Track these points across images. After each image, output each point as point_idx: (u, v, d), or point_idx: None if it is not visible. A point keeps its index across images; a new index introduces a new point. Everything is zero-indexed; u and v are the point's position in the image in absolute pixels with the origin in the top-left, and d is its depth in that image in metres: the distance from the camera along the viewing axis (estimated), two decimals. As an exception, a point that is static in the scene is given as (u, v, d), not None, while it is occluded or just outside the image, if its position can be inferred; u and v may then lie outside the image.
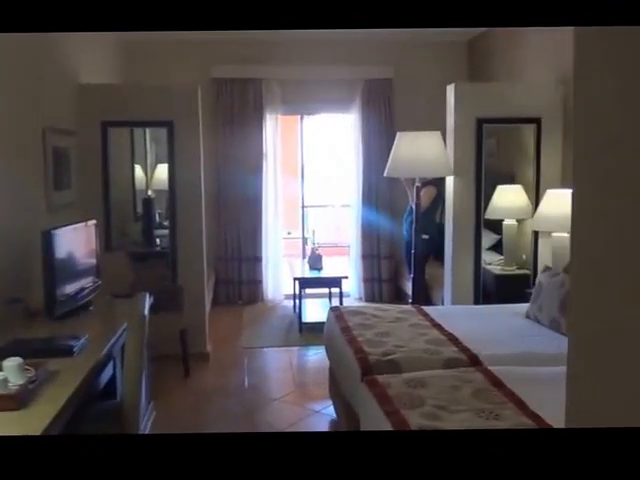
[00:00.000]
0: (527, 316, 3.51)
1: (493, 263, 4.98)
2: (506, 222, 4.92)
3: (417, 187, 4.63)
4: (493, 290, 4.77)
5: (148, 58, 6.00)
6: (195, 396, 3.97)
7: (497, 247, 5.18)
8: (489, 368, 2.67)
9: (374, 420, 2.33)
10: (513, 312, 3.63)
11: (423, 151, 4.42)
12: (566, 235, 4.22)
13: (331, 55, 6.18)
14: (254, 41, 6.07)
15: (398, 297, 6.34)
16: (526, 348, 2.98)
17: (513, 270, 4.89)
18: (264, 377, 4.47)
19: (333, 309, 3.79)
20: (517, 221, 4.92)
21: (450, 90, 4.62)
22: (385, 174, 4.64)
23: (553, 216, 4.21)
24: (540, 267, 4.65)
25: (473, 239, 4.66)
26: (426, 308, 3.74)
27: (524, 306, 3.73)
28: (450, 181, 4.71)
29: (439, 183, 5.25)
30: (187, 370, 4.31)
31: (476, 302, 4.63)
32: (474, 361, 2.82)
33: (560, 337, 3.12)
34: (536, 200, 4.65)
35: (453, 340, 3.06)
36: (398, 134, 4.59)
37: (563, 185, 4.54)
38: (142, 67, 5.96)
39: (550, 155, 4.67)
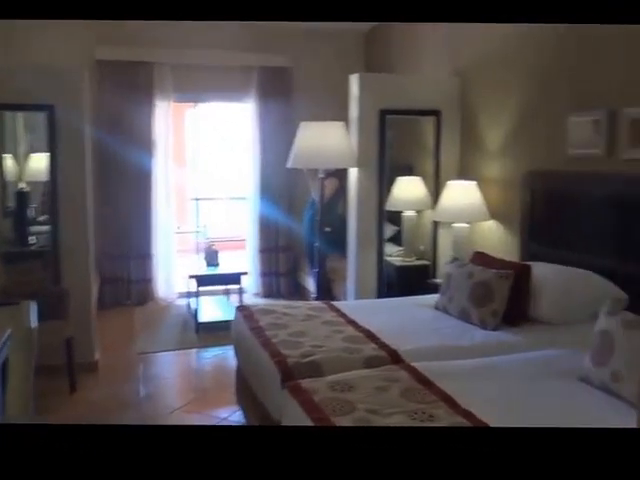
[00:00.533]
0: (436, 307, 3.48)
1: (393, 255, 4.97)
2: (405, 213, 4.93)
3: (321, 179, 4.50)
4: (394, 282, 4.75)
5: (28, 38, 5.37)
6: (84, 412, 3.56)
7: (395, 239, 5.17)
8: (412, 365, 2.58)
9: (301, 429, 2.16)
10: (421, 304, 3.60)
11: (327, 142, 4.29)
12: (466, 226, 4.27)
13: (227, 40, 5.88)
14: (144, 22, 5.64)
15: (297, 292, 6.21)
16: (442, 341, 2.93)
17: (413, 261, 4.91)
18: (161, 385, 4.14)
19: (240, 308, 3.56)
20: (416, 212, 4.94)
21: (354, 80, 4.52)
22: (289, 165, 4.47)
23: (454, 207, 4.24)
24: (440, 258, 4.70)
25: (376, 231, 4.61)
26: (337, 304, 3.62)
27: (431, 297, 3.71)
28: (354, 173, 4.62)
29: (341, 175, 5.15)
30: (73, 384, 3.86)
31: (379, 295, 4.59)
32: (395, 358, 2.72)
33: (472, 327, 3.11)
34: (436, 191, 4.67)
35: (370, 336, 2.95)
36: (301, 124, 4.43)
37: (461, 176, 4.59)
38: (21, 48, 5.34)
39: (449, 147, 4.71)
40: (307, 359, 2.65)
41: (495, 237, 4.29)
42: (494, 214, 4.25)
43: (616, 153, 3.28)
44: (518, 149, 4.05)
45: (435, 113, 4.67)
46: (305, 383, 2.40)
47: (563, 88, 3.64)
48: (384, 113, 4.54)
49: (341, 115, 4.68)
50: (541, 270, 3.24)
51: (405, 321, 3.23)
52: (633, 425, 2.09)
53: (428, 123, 4.76)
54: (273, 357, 2.69)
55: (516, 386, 2.41)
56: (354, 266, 4.61)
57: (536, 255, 3.73)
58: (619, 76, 3.24)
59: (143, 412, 3.60)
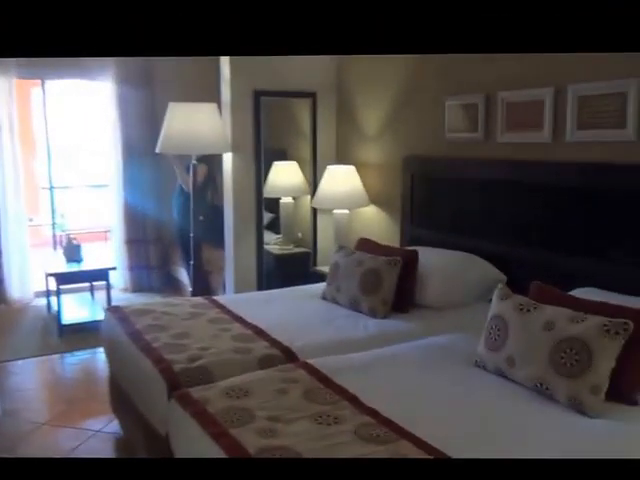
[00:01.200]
0: (323, 297, 3.37)
1: (271, 243, 4.81)
2: (283, 200, 4.78)
3: (194, 165, 4.21)
4: (274, 271, 4.60)
5: None
6: None
7: (272, 226, 5.01)
8: (309, 362, 2.43)
9: (196, 444, 1.94)
10: (308, 294, 3.47)
11: (199, 125, 4.02)
12: (346, 212, 4.20)
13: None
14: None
15: (171, 285, 5.86)
16: (335, 334, 2.82)
17: (292, 249, 4.79)
18: (23, 398, 3.66)
19: (111, 309, 3.22)
20: (293, 198, 4.80)
21: (224, 60, 4.27)
22: (158, 150, 4.13)
23: (333, 193, 4.15)
24: (320, 245, 4.61)
25: (255, 219, 4.42)
26: (220, 299, 3.39)
27: (317, 287, 3.60)
28: (228, 158, 4.38)
29: (209, 160, 4.87)
30: None
31: (260, 286, 4.41)
32: (289, 355, 2.57)
33: (362, 317, 3.03)
34: (314, 177, 4.56)
35: (260, 333, 2.77)
36: (170, 105, 4.10)
37: (338, 161, 4.52)
38: None
39: (325, 130, 4.61)
40: (195, 364, 2.42)
41: (376, 222, 4.27)
42: (374, 199, 4.22)
43: (493, 137, 3.34)
44: (397, 133, 4.03)
45: (311, 95, 4.54)
46: (196, 392, 2.17)
47: (441, 71, 3.65)
48: (258, 94, 4.34)
49: (213, 97, 4.41)
50: (425, 255, 3.22)
51: (294, 314, 3.09)
52: (526, 409, 2.11)
53: (303, 106, 4.63)
54: (156, 364, 2.42)
55: (415, 376, 2.34)
56: (232, 256, 4.40)
57: (418, 239, 3.74)
58: (496, 60, 3.28)
59: (3, 430, 3.16)
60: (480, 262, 3.27)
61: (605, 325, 2.08)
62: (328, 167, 4.23)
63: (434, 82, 3.70)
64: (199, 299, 3.39)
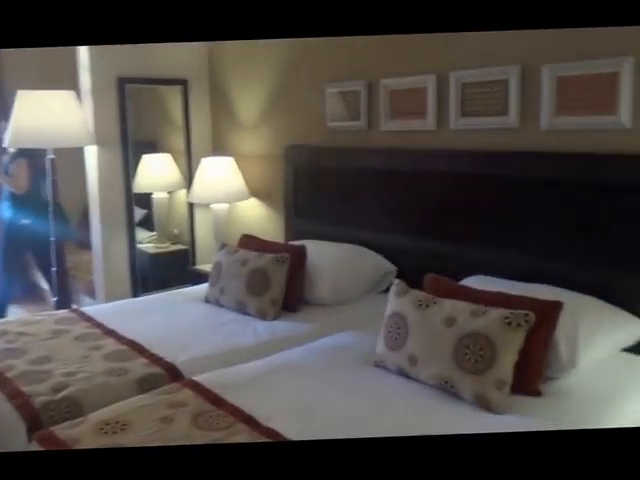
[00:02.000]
0: (207, 301, 3.07)
1: (144, 241, 4.41)
2: (155, 195, 4.39)
3: (51, 159, 3.70)
4: (150, 272, 4.22)
5: None
6: None
7: (145, 223, 4.60)
8: (196, 380, 2.14)
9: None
10: (189, 298, 3.15)
11: (54, 115, 3.53)
12: (226, 206, 3.92)
13: None
14: None
15: (30, 294, 5.22)
16: (223, 342, 2.54)
17: (168, 247, 4.42)
18: None
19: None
20: (168, 193, 4.43)
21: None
22: (5, 145, 3.60)
23: (210, 186, 3.85)
24: (199, 241, 4.29)
25: (125, 217, 4.01)
26: (89, 310, 2.98)
27: (199, 289, 3.29)
28: (91, 152, 3.92)
29: (33, 154, 4.18)
30: None
31: (135, 289, 4.02)
32: (173, 373, 2.25)
33: (251, 320, 2.78)
34: (189, 169, 4.22)
35: (138, 349, 2.43)
36: (19, 93, 3.57)
37: (215, 153, 4.21)
38: None
39: (199, 120, 4.27)
40: (60, 394, 2.04)
41: (258, 217, 4.01)
42: (255, 192, 3.96)
43: (376, 125, 3.19)
44: (276, 122, 3.78)
45: (181, 82, 4.18)
46: (62, 430, 1.81)
47: (320, 57, 3.44)
48: (123, 81, 3.91)
49: (72, 85, 3.93)
50: (313, 249, 3.02)
51: (175, 322, 2.76)
52: (430, 406, 1.98)
53: (174, 94, 4.25)
54: (11, 399, 2.01)
55: (312, 384, 2.13)
56: (100, 259, 3.95)
57: (303, 233, 3.53)
58: (377, 47, 3.12)
59: None
60: (369, 254, 3.12)
61: (506, 317, 1.98)
62: (203, 159, 3.90)
63: (313, 68, 3.49)
64: (63, 312, 2.96)
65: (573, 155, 2.44)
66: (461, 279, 2.54)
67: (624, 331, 2.24)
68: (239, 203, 3.98)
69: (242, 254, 2.99)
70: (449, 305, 2.13)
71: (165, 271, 4.23)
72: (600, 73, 2.32)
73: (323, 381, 2.15)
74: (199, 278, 3.83)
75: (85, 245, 4.60)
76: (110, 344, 2.48)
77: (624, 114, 2.29)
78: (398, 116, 3.08)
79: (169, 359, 2.33)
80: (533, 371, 2.02)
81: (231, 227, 3.99)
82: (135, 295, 3.95)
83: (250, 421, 1.86)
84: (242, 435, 1.78)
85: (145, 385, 2.16)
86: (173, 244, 4.43)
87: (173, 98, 4.26)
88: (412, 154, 3.02)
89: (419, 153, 2.98)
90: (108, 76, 3.84)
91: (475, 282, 2.48)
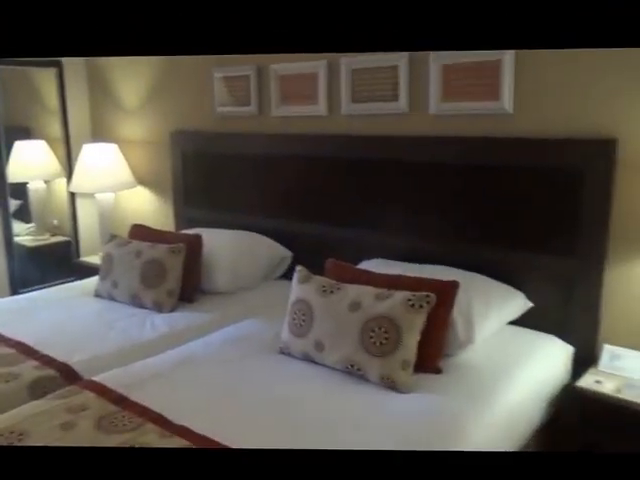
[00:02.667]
0: (98, 295, 2.89)
1: (22, 234, 4.06)
2: (31, 185, 4.06)
3: None
4: (30, 266, 3.90)
5: None
6: None
7: (20, 214, 4.24)
8: (95, 380, 2.00)
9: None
10: (78, 293, 2.95)
11: None
12: (111, 195, 3.70)
13: None
14: None
15: None
16: (120, 338, 2.39)
17: (47, 239, 4.11)
18: None
19: None
20: (44, 182, 4.11)
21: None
22: None
23: (93, 175, 3.62)
24: (82, 232, 4.03)
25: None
26: (-38, 311, 2.69)
27: (88, 283, 3.09)
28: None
29: None
30: None
31: (13, 286, 3.70)
32: (68, 374, 2.10)
33: (147, 313, 2.65)
34: (68, 156, 3.94)
35: (27, 351, 2.23)
36: None
37: (96, 139, 3.96)
38: None
39: (76, 104, 3.99)
40: (-58, 407, 1.83)
41: (145, 205, 3.82)
42: (142, 180, 3.77)
43: (267, 111, 3.13)
44: (161, 106, 3.61)
45: (55, 64, 3.87)
46: (-52, 447, 1.63)
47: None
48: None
49: None
50: (207, 237, 2.92)
51: (65, 320, 2.57)
52: (337, 388, 1.99)
53: (47, 76, 3.92)
54: None
55: (219, 375, 2.07)
56: (-28, 255, 3.60)
57: (193, 221, 3.42)
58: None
59: None
60: (264, 240, 3.08)
61: (409, 300, 2.03)
62: (84, 145, 3.65)
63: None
64: None
65: (462, 139, 2.53)
66: (357, 263, 2.57)
67: (510, 305, 2.37)
68: (125, 192, 3.77)
69: (135, 245, 2.84)
70: (353, 290, 2.14)
71: (46, 265, 3.94)
72: (484, 61, 2.41)
73: (229, 372, 2.09)
74: (85, 271, 3.60)
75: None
76: (-6, 348, 2.26)
77: (506, 100, 2.40)
78: (290, 101, 3.04)
79: (62, 359, 2.17)
80: (434, 350, 2.08)
81: (117, 217, 3.78)
82: (14, 292, 3.64)
83: (159, 420, 1.77)
84: (152, 435, 1.69)
85: (38, 390, 2.00)
86: (53, 236, 4.12)
87: (46, 80, 3.94)
88: (303, 139, 2.99)
89: (311, 138, 2.97)
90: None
91: (373, 265, 2.51)
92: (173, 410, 1.81)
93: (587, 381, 2.09)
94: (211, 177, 3.40)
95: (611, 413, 2.00)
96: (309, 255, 2.98)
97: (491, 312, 2.25)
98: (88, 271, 3.57)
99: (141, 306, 2.70)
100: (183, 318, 2.61)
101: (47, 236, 4.10)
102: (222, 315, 2.64)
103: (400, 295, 2.05)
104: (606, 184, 2.19)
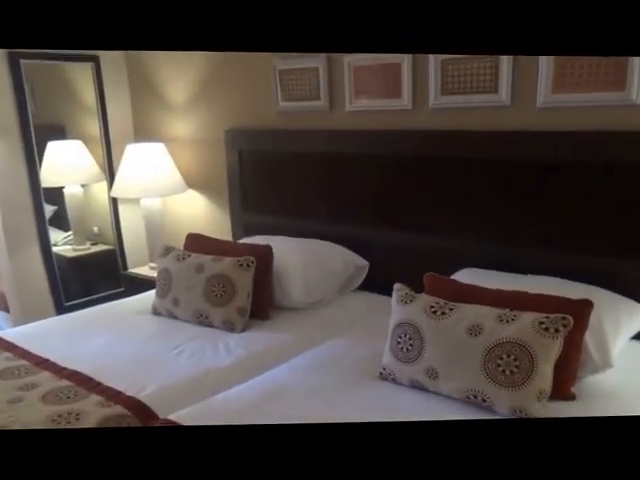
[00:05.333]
0: (156, 312, 2.61)
1: (59, 243, 3.81)
2: (68, 189, 3.80)
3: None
4: (70, 279, 3.65)
5: None
6: None
7: (55, 222, 3.99)
8: (173, 419, 1.72)
9: None
10: (133, 311, 2.67)
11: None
12: (158, 200, 3.44)
13: None
14: None
15: None
16: (193, 364, 2.11)
17: (88, 248, 3.85)
18: None
19: None
20: (82, 186, 3.85)
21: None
22: None
23: (139, 178, 3.35)
24: (127, 240, 3.77)
25: (34, 217, 3.42)
26: (7, 334, 2.41)
27: (142, 299, 2.82)
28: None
29: None
30: None
31: (56, 299, 3.45)
32: (140, 411, 1.81)
33: (217, 333, 2.37)
34: (108, 158, 3.68)
35: (85, 382, 1.95)
36: None
37: (138, 139, 3.69)
38: None
39: (116, 102, 3.73)
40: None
41: (197, 211, 3.54)
42: (192, 183, 3.49)
43: (339, 105, 2.84)
44: (214, 102, 3.32)
45: (92, 59, 3.60)
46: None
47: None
48: (15, 57, 3.29)
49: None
50: (275, 247, 2.63)
51: (125, 343, 2.29)
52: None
53: (83, 72, 3.66)
54: None
55: (319, 408, 1.79)
56: (9, 270, 3.34)
57: (252, 228, 3.15)
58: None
59: None
60: (337, 249, 2.79)
61: (542, 323, 1.73)
62: (128, 146, 3.38)
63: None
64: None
65: (573, 133, 2.22)
66: (442, 272, 2.26)
67: (636, 321, 2.08)
68: (174, 197, 3.50)
69: (195, 259, 2.55)
70: (469, 311, 1.85)
71: (89, 276, 3.69)
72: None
73: (329, 404, 1.81)
74: (133, 283, 3.35)
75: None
76: (47, 379, 1.97)
77: (634, 90, 2.10)
78: (365, 95, 2.75)
79: (130, 393, 1.88)
80: (567, 376, 1.81)
81: (166, 224, 3.51)
82: (59, 305, 3.39)
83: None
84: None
85: (108, 432, 1.71)
86: (94, 244, 3.86)
87: (82, 76, 3.67)
88: (382, 136, 2.70)
89: (391, 135, 2.67)
90: (-4, 52, 3.23)
91: (466, 276, 2.22)
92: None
93: None
94: (272, 179, 3.11)
95: None
96: (386, 264, 2.72)
97: (621, 330, 1.98)
98: (137, 283, 3.32)
99: (208, 325, 2.43)
100: (259, 339, 2.32)
101: (87, 245, 3.84)
102: (302, 334, 2.35)
103: (529, 317, 1.76)
104: None
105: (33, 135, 3.40)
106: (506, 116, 2.36)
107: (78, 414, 1.76)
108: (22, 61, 3.31)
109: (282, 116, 3.03)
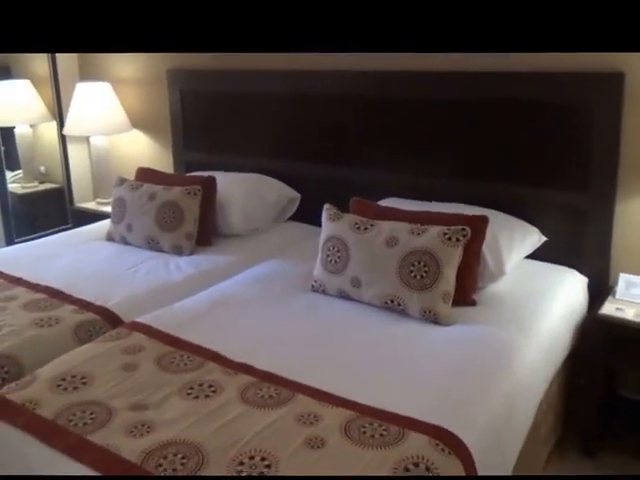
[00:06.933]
0: (110, 239, 2.79)
1: (8, 181, 3.86)
2: (18, 129, 3.82)
3: None
4: (21, 215, 3.72)
5: None
6: None
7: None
8: (140, 322, 1.95)
9: (44, 470, 1.39)
10: (90, 237, 2.84)
11: None
12: (105, 138, 3.54)
13: None
14: None
15: None
16: (150, 280, 2.32)
17: (36, 186, 3.92)
18: None
19: None
20: (30, 126, 3.88)
21: None
22: None
23: (89, 117, 3.43)
24: (75, 179, 3.86)
25: (-11, 156, 3.45)
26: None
27: (96, 228, 2.99)
28: None
29: None
30: None
31: (8, 233, 3.54)
32: (109, 317, 2.04)
33: (166, 256, 2.58)
34: (57, 98, 3.71)
35: (58, 295, 2.15)
36: None
37: (83, 78, 3.73)
38: None
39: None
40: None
41: (141, 150, 3.65)
42: (136, 122, 3.59)
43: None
44: (157, 45, 3.40)
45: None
46: (13, 393, 1.57)
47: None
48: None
49: None
50: (217, 180, 2.83)
51: (87, 264, 2.48)
52: (379, 324, 1.97)
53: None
54: None
55: (260, 314, 2.05)
56: (-36, 204, 3.40)
57: (193, 165, 3.31)
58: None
59: None
60: (271, 181, 3.01)
61: (445, 233, 2.04)
62: (78, 84, 3.44)
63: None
64: None
65: (473, 74, 2.48)
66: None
67: (529, 240, 2.40)
68: (119, 135, 3.60)
69: (147, 188, 2.73)
70: (387, 226, 2.13)
71: (38, 213, 3.77)
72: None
73: (268, 311, 2.07)
74: (81, 218, 3.47)
75: None
76: (23, 293, 2.17)
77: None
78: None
79: (99, 302, 2.10)
80: (468, 283, 2.10)
81: (112, 163, 3.62)
82: (10, 240, 3.48)
83: (218, 358, 1.75)
84: (217, 373, 1.67)
85: (82, 333, 1.94)
86: (41, 183, 3.93)
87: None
88: (312, 76, 2.87)
89: (320, 75, 2.84)
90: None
91: (390, 204, 2.48)
92: (228, 349, 1.79)
93: (609, 309, 2.16)
94: (212, 118, 3.27)
95: (634, 339, 2.08)
96: (316, 197, 2.90)
97: (514, 246, 2.29)
98: (85, 218, 3.44)
99: (158, 250, 2.63)
100: (206, 260, 2.55)
101: (35, 183, 3.90)
102: (244, 256, 2.60)
103: (435, 229, 2.06)
104: (615, 118, 2.21)
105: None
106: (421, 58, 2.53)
107: (57, 319, 1.97)
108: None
109: (222, 56, 3.12)
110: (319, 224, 2.28)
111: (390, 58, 2.60)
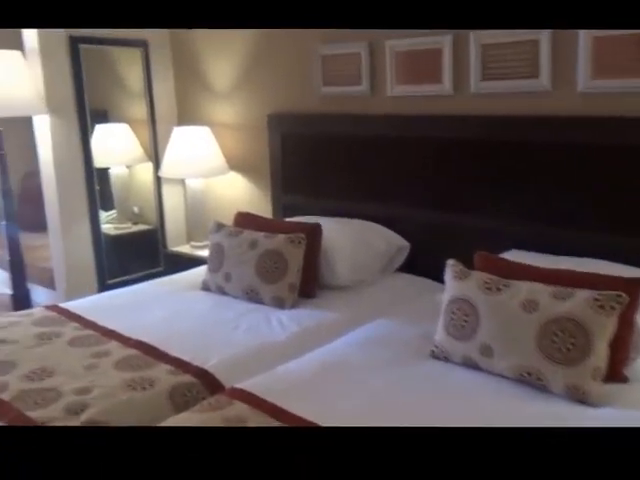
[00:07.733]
0: (206, 288, 2.61)
1: (102, 222, 3.82)
2: (114, 170, 3.81)
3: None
4: (114, 257, 3.65)
5: None
6: None
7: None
8: (241, 388, 1.72)
9: None
10: (184, 286, 2.67)
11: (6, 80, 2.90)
12: (201, 181, 3.43)
13: None
14: None
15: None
16: (250, 338, 2.11)
17: (130, 227, 3.86)
18: None
19: None
20: (126, 167, 3.86)
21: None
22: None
23: (186, 159, 3.35)
24: (168, 221, 3.77)
25: (86, 196, 3.43)
26: (70, 306, 2.42)
27: (191, 275, 2.82)
28: (42, 121, 3.29)
29: None
30: None
31: (101, 277, 3.47)
32: (207, 381, 1.82)
33: (267, 310, 2.35)
34: (154, 140, 3.67)
35: (152, 352, 1.96)
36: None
37: (182, 122, 3.68)
38: None
39: (162, 86, 3.71)
40: (81, 418, 1.56)
41: (238, 193, 3.52)
42: (234, 165, 3.48)
43: (381, 90, 2.81)
44: (257, 87, 3.30)
45: (141, 44, 3.59)
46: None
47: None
48: (75, 41, 3.29)
49: (13, 43, 3.26)
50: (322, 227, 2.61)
51: (181, 316, 2.30)
52: (514, 399, 1.69)
53: (131, 56, 3.65)
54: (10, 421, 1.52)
55: (374, 383, 1.79)
56: (61, 245, 3.35)
57: (293, 209, 3.13)
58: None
59: None
60: (379, 229, 2.78)
61: (597, 300, 1.71)
62: (175, 128, 3.38)
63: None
64: (40, 310, 2.40)
65: (613, 119, 2.18)
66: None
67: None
68: (215, 178, 3.49)
69: (247, 235, 2.55)
70: (524, 287, 1.83)
71: (131, 254, 3.69)
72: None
73: (383, 380, 1.80)
74: (174, 262, 3.36)
75: (31, 228, 3.98)
76: (116, 348, 1.99)
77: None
78: (407, 80, 2.71)
79: (196, 363, 1.89)
80: (620, 356, 1.76)
81: (207, 205, 3.51)
82: (102, 283, 3.41)
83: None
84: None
85: (178, 397, 1.73)
86: (134, 224, 3.87)
87: (130, 61, 3.66)
88: (422, 121, 2.67)
89: (430, 119, 2.64)
90: (59, 35, 3.21)
91: (512, 257, 2.19)
92: (335, 422, 1.52)
93: None
94: (313, 162, 3.09)
95: None
96: (427, 246, 2.69)
97: None
98: (177, 262, 3.32)
99: (258, 301, 2.42)
100: (309, 316, 2.31)
101: (129, 224, 3.85)
102: (350, 313, 2.35)
103: (584, 294, 1.73)
104: None
105: (89, 118, 3.41)
106: (548, 101, 2.32)
107: (152, 381, 1.77)
108: (81, 46, 3.31)
109: (324, 100, 3.00)
110: (429, 276, 2.02)
111: (521, 102, 2.36)
